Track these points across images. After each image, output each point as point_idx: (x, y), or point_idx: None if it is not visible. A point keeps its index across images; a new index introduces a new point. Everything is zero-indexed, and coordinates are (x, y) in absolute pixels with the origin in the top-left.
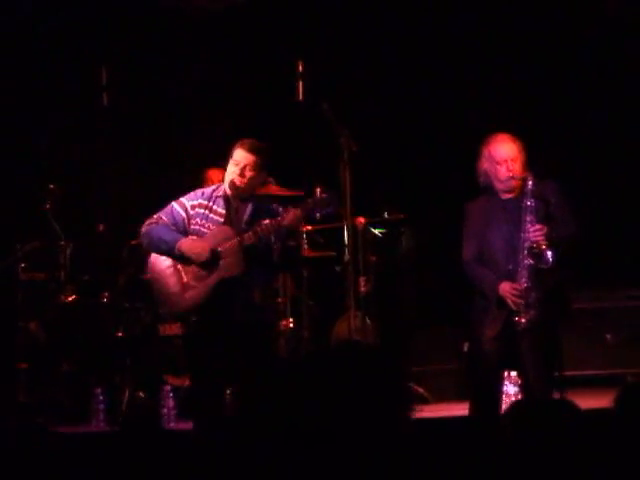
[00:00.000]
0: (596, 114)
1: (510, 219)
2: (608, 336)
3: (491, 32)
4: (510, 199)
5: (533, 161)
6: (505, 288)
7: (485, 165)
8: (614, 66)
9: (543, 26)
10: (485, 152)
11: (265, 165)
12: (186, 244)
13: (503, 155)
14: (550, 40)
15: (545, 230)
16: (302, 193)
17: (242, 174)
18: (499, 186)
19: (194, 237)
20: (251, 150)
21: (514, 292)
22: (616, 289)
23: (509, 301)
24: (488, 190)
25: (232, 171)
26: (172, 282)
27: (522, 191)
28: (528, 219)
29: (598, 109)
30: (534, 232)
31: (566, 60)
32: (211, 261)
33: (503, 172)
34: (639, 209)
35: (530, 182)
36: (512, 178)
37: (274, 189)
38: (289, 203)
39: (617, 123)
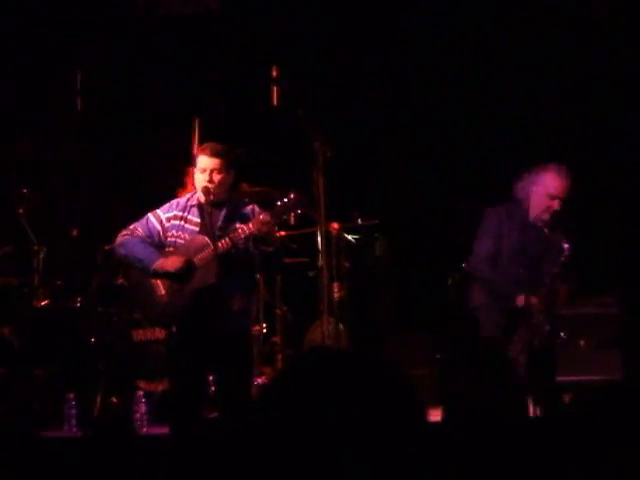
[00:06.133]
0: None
1: (527, 234)
2: (581, 342)
3: (461, 32)
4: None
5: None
6: (529, 300)
7: (533, 188)
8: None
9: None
10: (541, 177)
11: (231, 165)
12: (159, 263)
13: (559, 193)
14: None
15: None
16: (270, 188)
17: (211, 179)
18: (535, 213)
19: (170, 249)
20: (213, 154)
21: (537, 305)
22: (589, 296)
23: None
24: (514, 202)
25: (201, 179)
26: (150, 292)
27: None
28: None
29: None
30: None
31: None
32: (186, 273)
33: (551, 207)
34: (611, 218)
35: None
36: (553, 212)
37: (245, 186)
38: (262, 203)
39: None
